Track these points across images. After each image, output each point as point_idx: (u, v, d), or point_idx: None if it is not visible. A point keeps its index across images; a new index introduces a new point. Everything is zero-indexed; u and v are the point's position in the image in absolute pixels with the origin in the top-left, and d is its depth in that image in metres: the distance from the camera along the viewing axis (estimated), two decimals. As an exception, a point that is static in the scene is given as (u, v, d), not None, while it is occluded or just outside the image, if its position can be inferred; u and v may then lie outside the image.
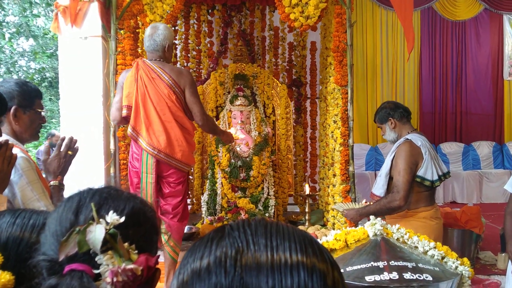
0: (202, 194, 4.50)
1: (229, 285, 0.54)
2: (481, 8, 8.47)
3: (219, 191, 4.29)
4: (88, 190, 0.84)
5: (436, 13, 8.49)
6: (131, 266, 0.71)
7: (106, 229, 0.72)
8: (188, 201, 4.66)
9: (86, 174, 3.53)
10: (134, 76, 3.15)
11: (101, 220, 0.74)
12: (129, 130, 3.17)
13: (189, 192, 4.92)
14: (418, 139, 2.87)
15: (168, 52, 3.26)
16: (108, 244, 0.72)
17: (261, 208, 4.26)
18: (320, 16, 3.61)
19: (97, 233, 0.71)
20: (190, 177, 4.97)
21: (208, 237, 0.61)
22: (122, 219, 0.76)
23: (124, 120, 3.25)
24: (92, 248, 0.72)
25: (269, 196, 4.34)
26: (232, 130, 4.35)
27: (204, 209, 4.29)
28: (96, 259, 0.73)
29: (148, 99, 3.13)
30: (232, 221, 0.64)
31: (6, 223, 1.00)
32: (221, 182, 4.31)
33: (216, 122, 3.80)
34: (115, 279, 0.70)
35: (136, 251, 0.76)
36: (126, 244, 0.75)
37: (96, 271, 0.72)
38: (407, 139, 2.90)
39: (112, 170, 3.71)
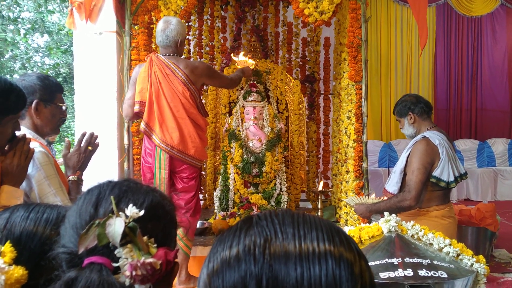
0: (215, 189, 4.51)
1: (259, 272, 0.55)
2: (498, 3, 8.35)
3: (231, 187, 4.30)
4: (107, 183, 0.85)
5: (452, 8, 8.39)
6: (150, 260, 0.71)
7: (125, 223, 0.73)
8: (201, 196, 4.68)
9: (100, 168, 3.56)
10: (148, 72, 3.16)
11: (120, 213, 0.75)
12: (142, 125, 3.18)
13: (202, 188, 4.93)
14: (436, 138, 2.81)
15: (180, 47, 3.27)
16: (127, 237, 0.73)
17: (273, 204, 4.26)
18: (335, 11, 3.58)
19: (116, 226, 0.72)
20: (203, 172, 4.98)
21: (236, 226, 0.62)
22: (142, 212, 0.76)
23: (136, 116, 3.27)
24: (112, 241, 0.73)
25: (281, 192, 4.33)
26: (246, 125, 4.36)
27: (216, 204, 4.30)
28: (115, 252, 0.73)
29: (162, 96, 3.13)
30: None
31: (20, 218, 1.00)
32: (234, 178, 4.31)
33: (232, 78, 3.79)
34: (134, 273, 0.70)
35: (155, 245, 0.76)
36: (145, 238, 0.75)
37: (115, 264, 0.73)
38: (424, 136, 2.84)
39: (125, 165, 3.74)
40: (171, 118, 3.14)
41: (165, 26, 3.20)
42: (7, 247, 0.92)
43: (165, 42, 3.21)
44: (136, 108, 3.19)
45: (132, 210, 0.75)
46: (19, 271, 0.90)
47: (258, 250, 0.57)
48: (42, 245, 0.85)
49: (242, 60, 4.15)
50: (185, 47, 4.66)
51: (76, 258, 0.77)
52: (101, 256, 0.74)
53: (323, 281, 0.55)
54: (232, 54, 4.58)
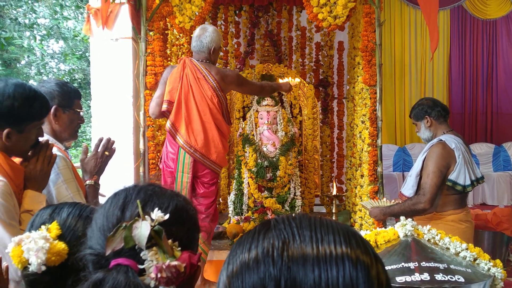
0: (229, 194, 4.53)
1: (277, 274, 0.56)
2: (513, 6, 8.27)
3: (245, 191, 4.31)
4: (133, 187, 0.87)
5: (466, 11, 8.32)
6: (175, 262, 0.73)
7: (151, 226, 0.74)
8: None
9: (116, 173, 3.59)
10: (180, 73, 3.22)
11: (146, 216, 0.76)
12: (168, 125, 3.22)
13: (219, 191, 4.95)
14: (453, 141, 2.80)
15: (213, 55, 3.34)
16: (153, 240, 0.74)
17: (287, 208, 4.26)
18: (349, 15, 3.58)
19: (142, 229, 0.74)
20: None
21: (254, 230, 0.64)
22: (167, 216, 0.78)
23: (162, 115, 3.32)
24: (138, 244, 0.75)
25: (295, 197, 4.33)
26: (260, 129, 4.37)
27: (230, 208, 4.31)
28: (141, 254, 0.75)
29: (192, 98, 3.19)
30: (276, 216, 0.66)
31: (67, 205, 1.16)
32: (248, 182, 4.33)
33: (267, 84, 3.82)
34: (159, 275, 0.72)
35: (179, 248, 0.78)
36: (170, 241, 0.77)
37: (141, 266, 0.75)
38: (441, 140, 2.83)
39: (141, 170, 3.77)
40: (198, 121, 3.18)
41: (201, 33, 3.29)
42: (54, 225, 1.09)
43: (198, 48, 3.30)
44: (164, 106, 3.24)
45: (157, 214, 0.77)
46: (61, 245, 1.05)
47: (277, 252, 0.58)
48: (84, 233, 0.89)
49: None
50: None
51: (103, 260, 0.79)
52: (128, 258, 0.76)
53: (340, 283, 0.56)
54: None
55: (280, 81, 4.29)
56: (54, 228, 1.08)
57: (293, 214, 0.64)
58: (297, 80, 4.27)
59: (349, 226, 0.65)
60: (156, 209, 0.79)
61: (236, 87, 3.50)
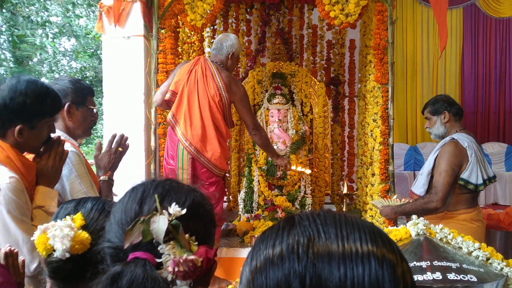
0: (239, 191, 4.53)
1: (302, 271, 0.56)
2: (527, 4, 8.17)
3: (255, 189, 4.31)
4: (151, 181, 0.88)
5: (479, 10, 8.24)
6: (192, 257, 0.74)
7: (168, 220, 0.75)
8: (225, 198, 4.70)
9: (127, 170, 3.61)
10: (190, 68, 3.29)
11: (164, 211, 0.77)
12: (169, 116, 3.29)
13: (226, 190, 4.96)
14: (465, 140, 2.78)
15: (231, 60, 3.41)
16: (171, 234, 0.75)
17: (297, 206, 4.25)
18: (361, 13, 3.57)
19: (160, 223, 0.74)
20: (227, 174, 5.00)
21: (278, 226, 0.63)
22: (184, 211, 0.79)
23: (165, 104, 3.36)
24: (155, 238, 0.76)
25: (305, 195, 4.33)
26: (270, 127, 4.37)
27: (241, 206, 4.31)
28: (158, 248, 0.76)
29: (196, 93, 3.24)
30: (301, 211, 0.66)
31: (92, 199, 1.21)
32: (258, 180, 4.33)
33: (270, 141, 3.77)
34: (176, 269, 0.72)
35: (196, 243, 0.78)
36: (187, 236, 0.77)
37: (158, 260, 0.75)
38: (453, 138, 2.81)
39: (152, 167, 3.79)
40: (198, 115, 3.22)
41: (223, 38, 3.43)
42: (79, 216, 1.14)
43: (217, 50, 3.41)
44: (168, 96, 3.31)
45: (175, 209, 0.78)
46: (84, 235, 1.11)
47: (302, 249, 0.58)
48: (103, 229, 0.91)
49: (299, 171, 4.09)
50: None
51: (121, 253, 0.80)
52: (145, 251, 0.77)
53: (366, 281, 0.55)
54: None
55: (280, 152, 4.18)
56: (79, 218, 1.14)
57: (318, 211, 0.64)
58: (308, 171, 4.19)
59: (374, 224, 0.65)
60: (174, 203, 0.80)
61: (240, 101, 3.39)
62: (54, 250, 1.08)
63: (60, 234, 1.07)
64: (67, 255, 1.07)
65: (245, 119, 3.43)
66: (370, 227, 0.62)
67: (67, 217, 1.14)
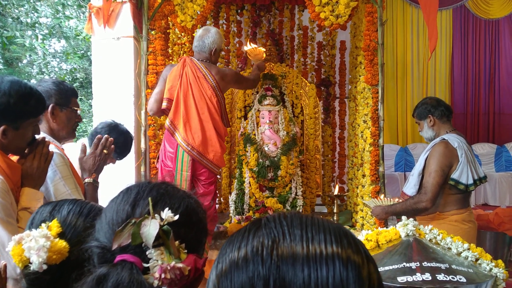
0: (230, 193, 4.52)
1: (266, 273, 0.55)
2: (515, 6, 8.24)
3: (247, 191, 4.30)
4: (146, 183, 0.87)
5: (469, 11, 8.31)
6: (180, 265, 0.72)
7: (160, 225, 0.74)
8: (216, 200, 4.68)
9: (117, 172, 3.59)
10: (179, 72, 3.27)
11: (156, 215, 0.76)
12: (167, 123, 3.27)
13: (217, 192, 4.94)
14: (456, 140, 2.79)
15: (214, 56, 3.41)
16: (160, 240, 0.74)
17: (288, 208, 4.25)
18: (351, 15, 3.58)
19: (151, 227, 0.73)
20: (218, 176, 4.98)
21: (245, 228, 0.63)
22: (176, 217, 0.77)
23: (162, 112, 3.36)
24: (145, 242, 0.74)
25: (297, 196, 4.32)
26: (261, 129, 4.36)
27: (232, 208, 4.30)
28: (147, 253, 0.75)
29: (191, 96, 3.23)
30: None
31: (68, 202, 1.15)
32: (249, 182, 4.32)
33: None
34: (163, 275, 0.71)
35: (186, 251, 0.77)
36: (177, 242, 0.76)
37: (145, 265, 0.74)
38: (443, 139, 2.82)
39: (142, 169, 3.77)
40: (196, 119, 3.22)
41: (204, 34, 3.37)
42: (54, 223, 1.08)
43: (199, 48, 3.37)
44: (164, 104, 3.29)
45: (167, 214, 0.77)
46: (62, 244, 1.04)
47: (266, 251, 0.57)
48: (85, 229, 0.88)
49: (253, 48, 4.07)
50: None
51: (108, 254, 0.79)
52: (133, 255, 0.75)
53: (330, 283, 0.55)
54: (244, 46, 4.54)
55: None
56: (55, 226, 1.08)
57: (285, 213, 0.63)
58: (262, 49, 4.14)
59: (341, 225, 0.64)
60: (167, 209, 0.79)
61: (235, 85, 3.64)
62: (31, 262, 1.03)
63: (35, 246, 1.01)
64: (44, 267, 1.02)
65: (247, 87, 3.75)
66: (337, 228, 0.61)
67: (43, 224, 1.09)
